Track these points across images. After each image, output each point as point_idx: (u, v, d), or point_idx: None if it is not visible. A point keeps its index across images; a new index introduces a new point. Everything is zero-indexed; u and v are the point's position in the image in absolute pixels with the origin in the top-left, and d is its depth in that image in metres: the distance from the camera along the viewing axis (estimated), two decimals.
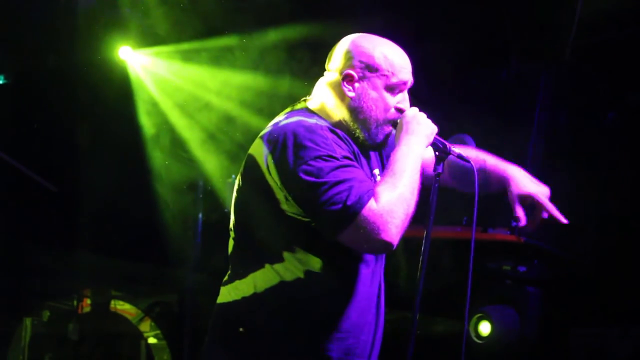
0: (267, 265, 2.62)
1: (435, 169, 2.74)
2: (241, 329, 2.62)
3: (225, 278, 2.75)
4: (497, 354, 5.21)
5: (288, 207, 2.58)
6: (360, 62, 2.70)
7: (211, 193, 6.53)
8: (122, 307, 7.07)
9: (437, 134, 2.74)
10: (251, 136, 5.69)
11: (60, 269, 6.86)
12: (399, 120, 2.73)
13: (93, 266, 6.91)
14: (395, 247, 2.52)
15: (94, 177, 6.62)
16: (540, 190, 3.00)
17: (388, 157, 2.76)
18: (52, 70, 6.52)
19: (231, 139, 6.14)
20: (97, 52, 6.29)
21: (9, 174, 6.84)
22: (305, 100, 2.83)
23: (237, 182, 2.76)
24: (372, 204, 2.47)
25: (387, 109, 2.72)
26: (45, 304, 6.87)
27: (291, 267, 2.61)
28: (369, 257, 2.72)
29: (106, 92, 6.39)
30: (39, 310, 6.84)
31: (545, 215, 3.00)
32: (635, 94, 5.17)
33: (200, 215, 6.63)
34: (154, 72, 6.32)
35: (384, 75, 2.70)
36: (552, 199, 5.15)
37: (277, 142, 2.57)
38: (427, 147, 2.70)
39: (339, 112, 2.73)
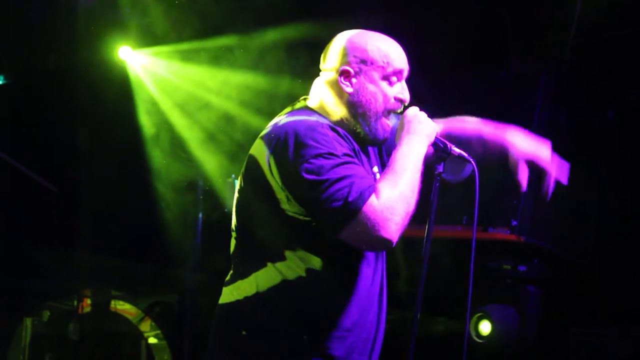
0: (269, 265, 2.62)
1: (436, 169, 2.74)
2: (244, 332, 2.62)
3: (228, 278, 2.75)
4: (497, 353, 5.21)
5: (289, 206, 2.58)
6: (355, 57, 2.71)
7: (211, 193, 6.53)
8: (122, 307, 7.07)
9: (437, 133, 2.74)
10: (251, 136, 5.72)
11: (60, 269, 6.87)
12: (400, 120, 2.73)
13: (93, 266, 6.91)
14: (394, 244, 2.51)
15: (94, 177, 6.62)
16: (539, 151, 2.98)
17: (388, 154, 2.76)
18: (52, 70, 6.53)
19: (231, 139, 6.15)
20: (97, 52, 6.29)
21: (9, 174, 6.84)
22: (304, 99, 2.84)
23: (238, 182, 2.76)
24: (373, 200, 2.47)
25: (386, 100, 2.72)
26: (45, 304, 6.87)
27: (293, 266, 2.60)
28: (370, 255, 2.72)
29: (106, 92, 6.40)
30: (39, 310, 6.84)
31: (550, 179, 2.95)
32: (635, 93, 5.17)
33: (200, 215, 6.63)
34: (154, 72, 6.32)
35: (380, 66, 2.71)
36: (552, 198, 5.15)
37: (278, 141, 2.57)
38: (428, 146, 2.70)
39: (339, 109, 2.74)
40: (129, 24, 6.13)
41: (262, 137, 2.67)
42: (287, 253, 2.61)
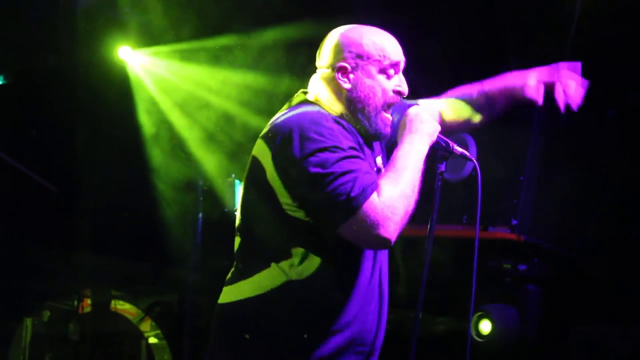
0: (271, 265, 2.62)
1: (437, 168, 2.73)
2: (245, 332, 2.62)
3: (229, 277, 2.75)
4: (497, 352, 5.20)
5: (292, 207, 2.58)
6: (350, 52, 2.70)
7: (211, 192, 6.53)
8: (123, 307, 7.07)
9: (439, 133, 2.74)
10: (250, 135, 5.73)
11: (60, 269, 6.87)
12: (402, 118, 2.72)
13: (93, 266, 6.92)
14: (392, 243, 2.51)
15: (93, 177, 6.62)
16: (543, 75, 3.08)
17: (390, 148, 2.75)
18: (52, 70, 6.53)
19: (230, 138, 6.14)
20: (97, 51, 6.30)
21: (9, 174, 6.84)
22: (303, 93, 2.82)
23: (242, 184, 2.76)
24: (374, 198, 2.47)
25: (385, 94, 2.72)
26: (45, 304, 6.88)
27: (295, 266, 2.60)
28: (370, 254, 2.71)
29: (106, 91, 6.40)
30: (39, 310, 6.85)
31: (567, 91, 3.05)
32: (635, 93, 5.16)
33: (200, 215, 6.63)
34: (154, 71, 6.33)
35: (376, 60, 2.70)
36: (552, 198, 5.15)
37: (282, 137, 2.56)
38: (429, 145, 2.69)
39: (338, 106, 2.73)
40: (129, 23, 6.14)
41: (262, 137, 2.67)
42: (289, 253, 2.61)
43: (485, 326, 5.20)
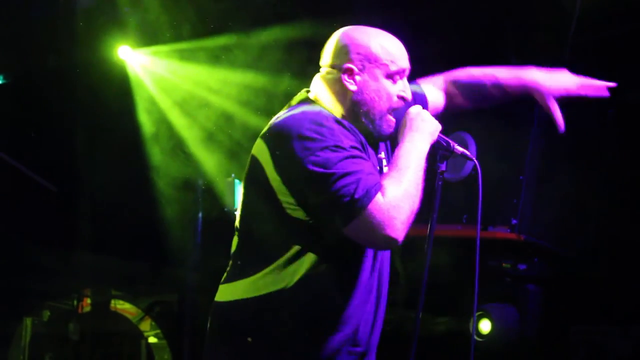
0: (270, 265, 2.61)
1: (438, 167, 2.72)
2: (243, 331, 2.62)
3: (225, 275, 2.74)
4: (497, 352, 5.21)
5: (291, 206, 2.57)
6: (358, 54, 2.68)
7: (210, 191, 6.53)
8: (122, 306, 7.08)
9: (440, 132, 2.74)
10: (250, 134, 5.73)
11: (60, 269, 6.87)
12: (403, 117, 2.72)
13: (93, 266, 6.92)
14: (400, 243, 2.50)
15: (93, 176, 6.62)
16: (564, 83, 3.07)
17: (393, 145, 2.74)
18: (52, 70, 6.53)
19: (230, 138, 6.14)
20: (97, 51, 6.30)
21: (9, 174, 6.84)
22: (306, 91, 2.80)
23: (242, 183, 2.76)
24: (379, 198, 2.46)
25: (389, 98, 2.70)
26: (45, 304, 6.88)
27: (294, 266, 2.59)
28: (370, 254, 2.71)
29: (105, 91, 6.40)
30: (39, 310, 6.85)
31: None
32: (635, 92, 5.16)
33: (200, 215, 6.63)
34: (153, 71, 6.33)
35: (383, 64, 2.68)
36: (552, 198, 5.15)
37: (281, 136, 2.55)
38: (430, 144, 2.69)
39: (342, 107, 2.71)
40: (128, 23, 6.14)
41: (262, 136, 2.66)
42: (289, 253, 2.60)
43: (485, 326, 5.20)
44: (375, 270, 2.73)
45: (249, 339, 2.61)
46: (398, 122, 2.73)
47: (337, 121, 2.59)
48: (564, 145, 5.09)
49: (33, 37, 6.25)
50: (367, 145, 2.70)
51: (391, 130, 2.74)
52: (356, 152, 2.53)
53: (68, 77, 6.43)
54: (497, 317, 5.21)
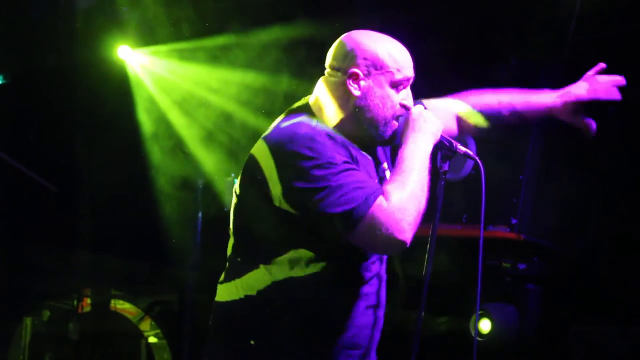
0: (266, 266, 2.61)
1: (441, 167, 2.72)
2: (242, 332, 2.62)
3: (222, 277, 2.74)
4: (496, 351, 5.21)
5: (287, 209, 2.57)
6: (365, 59, 2.67)
7: (210, 191, 6.53)
8: (122, 306, 7.07)
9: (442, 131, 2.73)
10: (249, 134, 5.73)
11: (60, 269, 6.87)
12: (405, 118, 2.71)
13: (93, 266, 6.91)
14: (408, 245, 2.50)
15: (93, 176, 6.62)
16: (579, 92, 3.05)
17: (395, 151, 2.74)
18: (52, 70, 6.53)
19: (229, 137, 6.14)
20: (96, 51, 6.30)
21: (9, 174, 6.84)
22: (306, 99, 2.80)
23: (237, 183, 2.75)
24: (381, 203, 2.46)
25: (393, 106, 2.69)
26: (45, 304, 6.87)
27: (289, 267, 2.60)
28: (369, 255, 2.70)
29: (105, 91, 6.40)
30: (39, 310, 6.84)
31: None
32: (635, 91, 5.16)
33: (200, 214, 6.63)
34: (153, 70, 6.33)
35: (389, 72, 2.67)
36: (552, 197, 5.15)
37: (279, 148, 2.56)
38: (433, 144, 2.68)
39: (345, 112, 2.70)
40: (128, 23, 6.14)
41: (264, 139, 2.66)
42: (285, 254, 2.60)
43: (485, 325, 5.21)
44: (375, 271, 2.73)
45: (248, 340, 2.61)
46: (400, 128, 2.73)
47: (330, 136, 2.58)
48: (563, 145, 5.09)
49: (33, 37, 6.25)
50: (362, 155, 2.69)
51: (394, 136, 2.73)
52: (348, 166, 2.53)
53: (68, 77, 6.44)
54: (496, 316, 5.21)
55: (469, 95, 3.11)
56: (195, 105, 6.24)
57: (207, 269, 6.40)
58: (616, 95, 3.12)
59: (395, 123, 2.71)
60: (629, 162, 5.24)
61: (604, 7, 4.89)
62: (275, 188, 2.56)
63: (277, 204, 2.57)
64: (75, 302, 6.91)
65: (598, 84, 3.08)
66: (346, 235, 2.49)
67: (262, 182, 2.59)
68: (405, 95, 2.72)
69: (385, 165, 2.83)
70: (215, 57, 6.00)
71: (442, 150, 2.73)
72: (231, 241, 2.75)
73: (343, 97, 2.70)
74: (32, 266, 6.83)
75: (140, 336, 6.84)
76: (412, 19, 5.35)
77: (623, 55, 5.11)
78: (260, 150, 2.63)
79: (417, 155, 2.59)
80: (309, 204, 2.50)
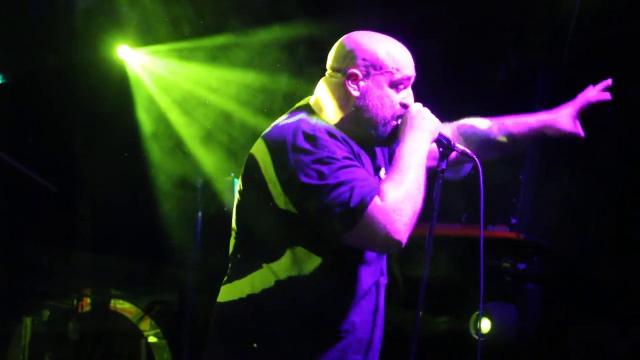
0: (268, 266, 2.61)
1: (439, 165, 2.71)
2: (243, 332, 2.62)
3: (226, 278, 2.74)
4: (496, 351, 5.21)
5: (287, 209, 2.57)
6: (364, 60, 2.66)
7: (209, 191, 6.54)
8: (122, 306, 7.07)
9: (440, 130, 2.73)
10: (249, 133, 5.73)
11: (60, 269, 6.87)
12: (403, 116, 2.71)
13: (93, 265, 6.92)
14: (404, 245, 2.49)
15: (93, 176, 6.63)
16: (568, 108, 3.16)
17: (393, 152, 2.74)
18: (52, 69, 6.53)
19: (229, 136, 6.14)
20: (96, 51, 6.30)
21: (9, 174, 6.84)
22: (307, 100, 2.80)
23: (238, 182, 2.75)
24: (377, 202, 2.45)
25: (392, 106, 2.68)
26: (45, 304, 6.87)
27: (291, 267, 2.59)
28: (370, 255, 2.70)
29: (105, 90, 6.40)
30: (39, 310, 6.84)
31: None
32: (635, 90, 5.16)
33: (199, 214, 6.63)
34: (152, 70, 6.33)
35: (389, 72, 2.66)
36: (552, 197, 5.15)
37: (277, 145, 2.56)
38: (431, 142, 2.68)
39: (344, 112, 2.70)
40: (127, 23, 6.14)
41: (263, 138, 2.65)
42: (285, 255, 2.59)
43: (485, 325, 5.21)
44: (375, 277, 2.73)
45: (248, 340, 2.61)
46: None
47: (330, 133, 2.58)
48: (563, 145, 5.09)
49: (33, 37, 6.25)
50: (363, 154, 2.69)
51: (394, 137, 2.72)
52: (349, 162, 2.52)
53: (68, 77, 6.44)
54: (496, 316, 5.22)
55: (460, 123, 3.14)
56: (194, 104, 6.25)
57: (207, 268, 6.41)
58: (606, 96, 3.15)
59: (395, 123, 2.71)
60: (629, 162, 5.24)
61: (604, 7, 4.89)
62: (275, 185, 2.56)
63: (276, 202, 2.57)
64: (75, 302, 6.91)
65: (588, 91, 3.14)
66: (342, 234, 2.48)
67: (262, 181, 2.59)
68: (405, 95, 2.72)
69: (383, 171, 2.83)
70: (215, 57, 6.00)
71: (440, 149, 2.72)
72: (232, 239, 2.75)
73: (343, 97, 2.70)
74: (32, 266, 6.83)
75: (140, 336, 6.84)
76: (412, 19, 5.35)
77: (623, 55, 5.12)
78: (259, 149, 2.63)
79: (414, 154, 2.58)
80: (306, 201, 2.51)
